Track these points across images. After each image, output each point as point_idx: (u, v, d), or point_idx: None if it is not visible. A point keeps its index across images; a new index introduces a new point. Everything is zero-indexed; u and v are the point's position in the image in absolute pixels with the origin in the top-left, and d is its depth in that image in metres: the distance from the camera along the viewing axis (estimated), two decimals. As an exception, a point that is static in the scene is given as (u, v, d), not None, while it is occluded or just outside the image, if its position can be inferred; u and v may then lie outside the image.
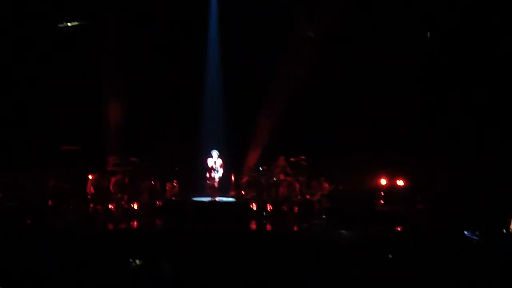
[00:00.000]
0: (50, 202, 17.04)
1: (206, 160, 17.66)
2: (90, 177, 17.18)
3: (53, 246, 13.11)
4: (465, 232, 13.35)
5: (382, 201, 18.41)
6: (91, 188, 17.09)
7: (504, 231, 13.54)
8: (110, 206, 17.18)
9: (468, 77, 18.44)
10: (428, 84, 19.19)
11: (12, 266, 11.56)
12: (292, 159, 18.15)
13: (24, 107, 19.25)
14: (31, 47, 19.02)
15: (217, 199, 17.26)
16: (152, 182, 17.74)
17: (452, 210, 15.99)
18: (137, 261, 11.86)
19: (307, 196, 17.67)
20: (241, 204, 17.63)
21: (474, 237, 13.07)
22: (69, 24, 19.67)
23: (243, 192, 18.56)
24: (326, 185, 17.61)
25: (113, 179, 17.35)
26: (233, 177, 18.77)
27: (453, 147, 18.31)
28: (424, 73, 19.21)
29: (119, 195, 17.24)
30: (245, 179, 18.91)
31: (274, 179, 18.11)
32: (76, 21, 19.74)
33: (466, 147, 18.08)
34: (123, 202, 17.25)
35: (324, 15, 19.04)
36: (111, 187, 17.20)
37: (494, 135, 18.06)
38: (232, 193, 18.60)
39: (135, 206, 17.40)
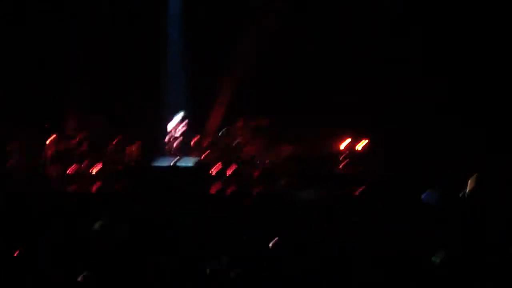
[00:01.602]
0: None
1: (168, 122, 17.43)
2: (47, 141, 16.90)
3: (10, 211, 12.94)
4: (424, 194, 13.40)
5: (343, 163, 18.46)
6: (49, 151, 16.81)
7: (462, 194, 13.62)
8: (68, 170, 16.95)
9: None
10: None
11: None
12: (252, 122, 18.11)
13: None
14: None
15: (178, 163, 17.11)
16: (113, 144, 17.54)
17: (413, 173, 16.08)
18: (97, 224, 11.75)
19: (268, 159, 17.64)
20: (202, 168, 17.54)
21: (433, 199, 13.12)
22: None
23: (204, 155, 18.50)
24: (287, 147, 17.57)
25: (71, 142, 17.13)
26: (194, 140, 18.62)
27: (415, 106, 18.31)
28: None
29: (79, 159, 17.03)
30: (206, 141, 18.84)
31: (236, 141, 18.07)
32: None
33: (427, 106, 18.13)
34: (82, 166, 17.03)
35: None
36: (70, 151, 16.98)
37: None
38: (194, 155, 18.46)
39: (94, 171, 17.19)
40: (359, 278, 8.61)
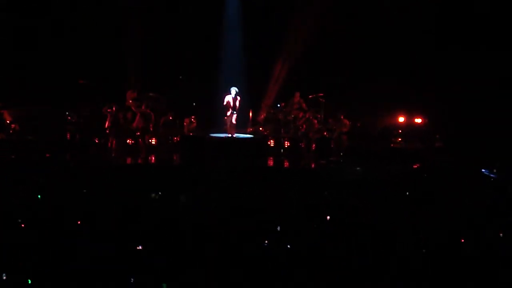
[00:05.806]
0: (68, 136, 17.15)
1: (224, 97, 17.44)
2: (108, 111, 17.14)
3: (71, 180, 13.23)
4: (483, 170, 13.30)
5: (400, 139, 18.37)
6: (109, 122, 17.04)
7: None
8: (128, 140, 17.23)
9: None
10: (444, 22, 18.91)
11: (31, 200, 11.66)
12: (310, 96, 18.11)
13: (42, 40, 19.16)
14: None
15: (235, 135, 17.21)
16: (170, 117, 17.76)
17: (470, 148, 15.93)
18: (154, 195, 11.93)
19: (325, 133, 17.62)
20: (259, 141, 17.64)
21: (492, 175, 13.02)
22: None
23: (260, 129, 18.62)
24: (347, 122, 17.50)
25: (130, 114, 17.36)
26: (251, 114, 18.71)
27: (475, 84, 18.04)
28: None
29: (137, 129, 17.26)
30: (262, 115, 18.97)
31: (292, 116, 18.12)
32: None
33: (488, 85, 17.84)
34: (140, 137, 17.28)
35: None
36: (129, 122, 17.22)
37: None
38: (250, 129, 18.58)
39: (153, 141, 17.45)
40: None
